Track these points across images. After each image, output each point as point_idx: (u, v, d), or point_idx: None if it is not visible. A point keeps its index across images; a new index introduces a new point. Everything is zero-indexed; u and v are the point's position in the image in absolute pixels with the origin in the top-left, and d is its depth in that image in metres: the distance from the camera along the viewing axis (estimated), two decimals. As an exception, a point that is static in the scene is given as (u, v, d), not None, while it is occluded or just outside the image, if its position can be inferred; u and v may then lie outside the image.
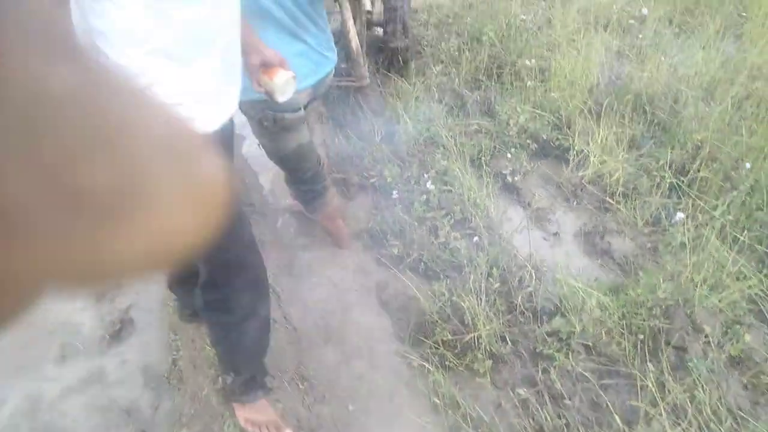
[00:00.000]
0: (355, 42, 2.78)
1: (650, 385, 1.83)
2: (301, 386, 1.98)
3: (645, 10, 4.00)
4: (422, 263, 2.37)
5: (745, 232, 2.31)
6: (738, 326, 2.01)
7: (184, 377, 2.02)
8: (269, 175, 2.97)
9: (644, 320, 2.02)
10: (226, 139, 1.42)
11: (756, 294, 2.11)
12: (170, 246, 0.21)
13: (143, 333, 2.23)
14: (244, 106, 1.87)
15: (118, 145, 0.18)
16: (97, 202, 0.18)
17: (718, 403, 1.80)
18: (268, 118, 1.95)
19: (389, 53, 3.35)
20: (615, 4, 4.22)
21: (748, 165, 2.55)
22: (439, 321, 2.11)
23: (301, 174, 2.27)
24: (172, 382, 2.03)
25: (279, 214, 2.73)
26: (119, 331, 2.21)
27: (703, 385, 1.83)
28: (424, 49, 3.74)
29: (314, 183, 2.31)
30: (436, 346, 2.05)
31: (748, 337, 1.95)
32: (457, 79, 3.40)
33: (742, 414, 1.79)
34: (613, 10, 4.11)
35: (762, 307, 2.10)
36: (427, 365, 2.00)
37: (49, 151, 0.17)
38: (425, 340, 2.09)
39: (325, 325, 2.23)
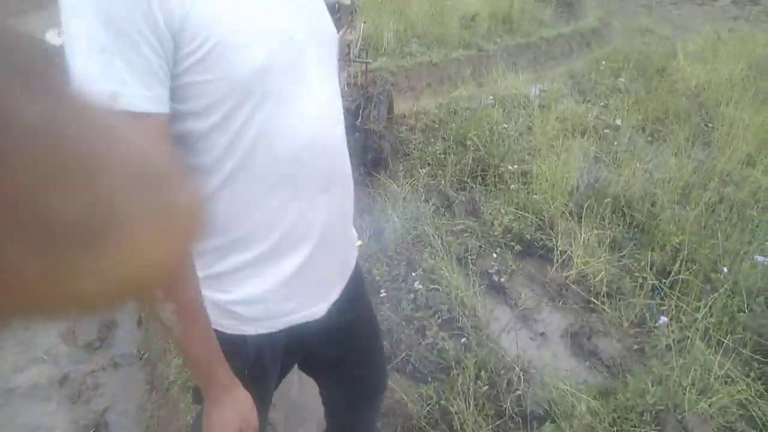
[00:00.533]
0: None
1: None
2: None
3: (618, 121, 4.27)
4: (410, 364, 2.34)
5: (729, 335, 2.33)
6: (730, 433, 1.97)
7: None
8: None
9: (635, 426, 1.98)
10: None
11: (745, 399, 2.09)
12: (141, 276, 0.20)
13: (118, 438, 2.13)
14: None
15: (89, 176, 0.18)
16: (66, 233, 0.17)
17: None
18: None
19: (372, 152, 3.52)
20: (590, 113, 4.51)
21: (726, 269, 2.62)
22: (427, 427, 2.05)
23: None
24: None
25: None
26: (93, 435, 2.12)
27: (699, 498, 1.76)
28: (411, 152, 3.91)
29: None
30: (424, 453, 1.98)
31: (741, 445, 1.91)
32: (443, 181, 3.54)
33: None
34: (588, 118, 4.39)
35: (753, 412, 2.07)
36: (414, 476, 1.91)
37: (17, 181, 0.16)
38: (412, 447, 2.02)
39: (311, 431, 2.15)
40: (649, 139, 4.22)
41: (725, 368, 2.16)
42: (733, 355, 2.29)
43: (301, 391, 2.27)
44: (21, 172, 0.16)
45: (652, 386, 2.06)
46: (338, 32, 3.21)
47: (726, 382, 2.14)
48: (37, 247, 0.17)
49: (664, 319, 2.40)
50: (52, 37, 3.22)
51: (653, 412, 2.02)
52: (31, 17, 6.71)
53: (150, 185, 0.21)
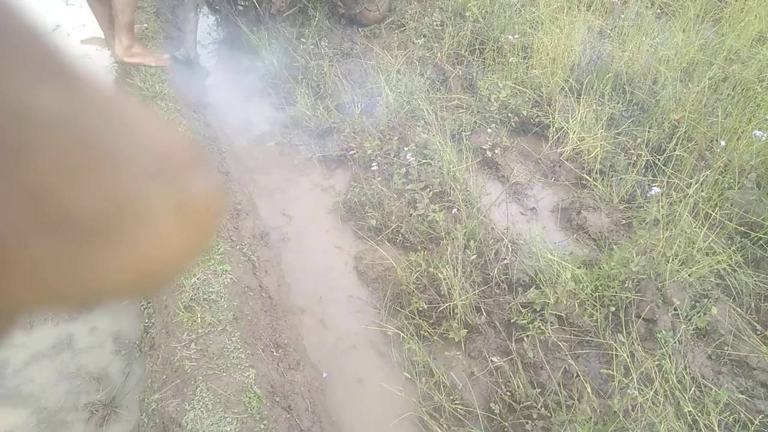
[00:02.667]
0: None
1: (621, 354, 1.87)
2: (275, 353, 1.98)
3: (628, -9, 4.00)
4: (400, 235, 2.37)
5: (717, 209, 2.36)
6: (706, 300, 2.06)
7: (156, 343, 2.00)
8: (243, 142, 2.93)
9: (616, 293, 2.05)
10: None
11: (724, 269, 2.16)
12: (160, 268, 0.20)
13: (115, 300, 2.19)
14: None
15: (105, 168, 0.18)
16: (83, 225, 0.17)
17: (684, 373, 1.85)
18: None
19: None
20: (598, -15, 4.21)
21: (722, 143, 2.59)
22: (415, 291, 2.12)
23: None
24: (143, 348, 2.00)
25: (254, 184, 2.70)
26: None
27: (670, 356, 1.87)
28: (407, 23, 3.69)
29: None
30: (412, 315, 2.06)
31: (714, 310, 2.00)
32: (439, 54, 3.38)
33: (706, 382, 1.84)
34: (596, -10, 4.11)
35: (729, 281, 2.15)
36: (402, 334, 2.00)
37: (34, 174, 0.16)
38: (401, 309, 2.10)
39: (301, 294, 2.22)
40: (658, 12, 3.98)
41: (709, 240, 2.20)
42: (719, 228, 2.33)
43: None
44: (39, 163, 0.16)
45: (636, 256, 2.11)
46: None
47: (708, 254, 2.20)
48: (56, 239, 0.17)
49: (656, 189, 2.40)
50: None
51: (635, 280, 2.09)
52: None
53: (168, 175, 0.20)
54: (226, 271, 1.99)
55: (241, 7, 3.46)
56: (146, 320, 2.09)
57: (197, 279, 1.93)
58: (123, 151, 0.19)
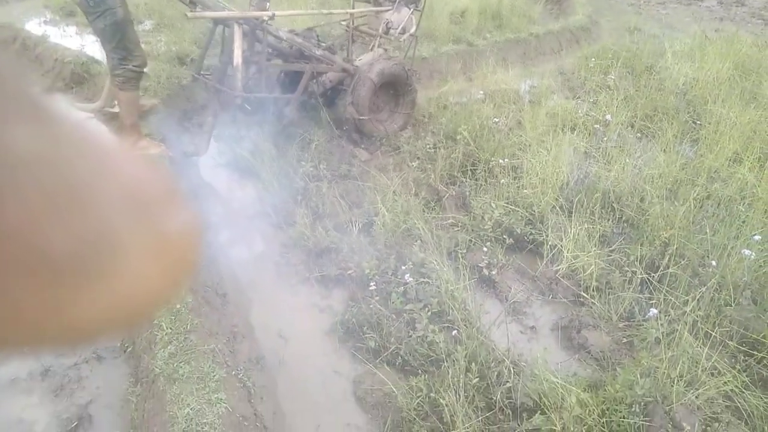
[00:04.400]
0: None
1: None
2: (269, 491, 1.86)
3: (609, 116, 4.29)
4: (399, 357, 2.33)
5: (716, 328, 2.35)
6: (717, 424, 1.99)
7: (143, 482, 1.88)
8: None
9: (624, 418, 1.99)
10: None
11: (731, 390, 2.10)
12: (139, 303, 0.20)
13: (101, 431, 2.09)
14: None
15: (81, 207, 0.18)
16: (59, 264, 0.17)
17: None
18: None
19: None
20: (580, 109, 4.52)
21: (714, 263, 2.64)
22: (416, 419, 2.04)
23: None
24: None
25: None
26: (75, 429, 2.07)
27: (688, 489, 1.77)
28: (401, 146, 3.89)
29: None
30: (414, 445, 1.97)
31: (728, 437, 1.92)
32: (433, 175, 3.53)
33: None
34: (578, 114, 4.40)
35: (738, 403, 2.09)
36: (403, 467, 1.90)
37: (10, 213, 0.16)
38: (402, 439, 2.01)
39: (297, 423, 2.13)
40: (639, 135, 4.24)
41: (712, 360, 2.17)
42: (720, 347, 2.30)
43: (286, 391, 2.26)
44: (15, 203, 0.16)
45: (640, 378, 2.07)
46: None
47: (713, 374, 2.16)
48: (35, 278, 0.17)
49: (654, 311, 2.40)
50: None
51: (642, 403, 2.03)
52: (13, 6, 6.58)
53: (145, 211, 0.20)
54: (221, 400, 1.93)
55: (248, 108, 3.73)
56: (134, 454, 1.98)
57: (191, 409, 1.87)
58: (98, 190, 0.19)
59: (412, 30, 4.37)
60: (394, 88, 4.04)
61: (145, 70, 3.33)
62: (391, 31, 4.16)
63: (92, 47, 5.27)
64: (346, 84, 3.85)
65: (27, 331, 0.17)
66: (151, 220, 0.20)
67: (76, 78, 4.70)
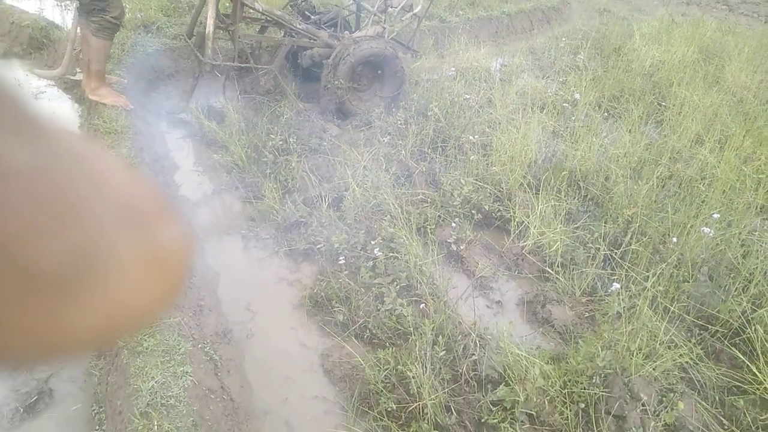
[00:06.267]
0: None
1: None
2: (236, 462, 1.86)
3: (577, 95, 4.34)
4: (368, 330, 2.34)
5: (675, 302, 2.43)
6: (672, 394, 2.07)
7: (106, 455, 1.86)
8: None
9: (585, 389, 2.05)
10: None
11: (686, 362, 2.19)
12: (131, 316, 0.20)
13: (62, 405, 2.05)
14: None
15: (74, 220, 0.18)
16: (52, 278, 0.17)
17: (658, 473, 1.82)
18: None
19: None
20: (549, 89, 4.55)
21: (674, 239, 2.72)
22: (383, 390, 2.06)
23: None
24: (92, 460, 1.85)
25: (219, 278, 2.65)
26: (35, 403, 2.02)
27: (642, 455, 1.85)
28: (372, 122, 3.86)
29: None
30: (380, 417, 1.99)
31: (681, 405, 2.01)
32: (403, 151, 3.52)
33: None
34: (547, 94, 4.44)
35: (692, 375, 2.18)
36: (370, 437, 1.93)
37: (2, 224, 0.16)
38: (369, 411, 2.03)
39: (265, 396, 2.13)
40: (605, 115, 4.31)
41: (670, 334, 2.25)
42: (678, 321, 2.39)
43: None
44: (7, 214, 0.16)
45: (601, 351, 2.13)
46: None
47: (670, 347, 2.24)
48: (26, 289, 0.17)
49: (616, 285, 2.47)
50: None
51: (602, 375, 2.09)
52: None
53: (137, 226, 0.20)
54: (187, 372, 1.91)
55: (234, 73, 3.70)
56: (97, 427, 1.95)
57: (155, 382, 1.84)
58: (91, 203, 0.19)
59: (417, 9, 4.32)
60: (380, 68, 3.99)
61: (121, 21, 3.33)
62: (390, 9, 4.09)
63: (52, 11, 5.04)
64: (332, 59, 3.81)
65: (17, 342, 0.17)
66: (144, 233, 0.21)
67: (35, 43, 4.49)
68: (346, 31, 4.08)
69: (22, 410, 1.99)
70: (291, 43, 3.80)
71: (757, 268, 2.57)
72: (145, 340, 1.97)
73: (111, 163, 0.21)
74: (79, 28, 3.44)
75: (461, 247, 2.84)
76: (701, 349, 2.30)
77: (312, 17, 4.13)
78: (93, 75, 3.40)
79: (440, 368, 2.14)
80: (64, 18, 4.89)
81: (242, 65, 3.74)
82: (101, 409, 1.99)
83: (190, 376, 1.91)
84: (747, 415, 2.05)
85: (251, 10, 3.64)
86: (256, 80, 3.99)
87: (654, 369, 2.14)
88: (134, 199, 0.21)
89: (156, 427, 1.71)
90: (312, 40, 3.81)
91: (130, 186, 0.21)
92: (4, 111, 0.17)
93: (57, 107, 3.83)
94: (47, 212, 0.17)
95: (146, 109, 3.86)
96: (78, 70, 3.83)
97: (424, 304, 2.42)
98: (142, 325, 0.21)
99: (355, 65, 3.79)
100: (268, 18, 3.74)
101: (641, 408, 2.02)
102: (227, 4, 3.67)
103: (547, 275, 2.74)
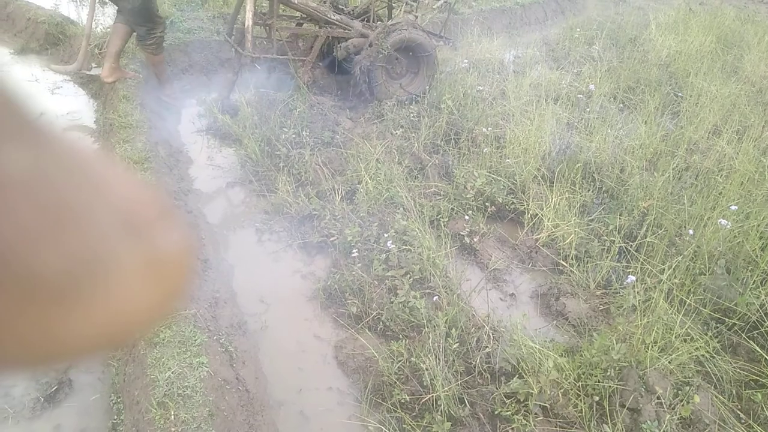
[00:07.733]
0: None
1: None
2: (251, 452, 1.88)
3: (592, 86, 4.29)
4: (381, 323, 2.35)
5: (691, 295, 2.41)
6: (688, 387, 2.05)
7: (125, 443, 1.89)
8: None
9: (599, 382, 2.04)
10: None
11: (702, 355, 2.17)
12: (132, 322, 0.20)
13: (81, 395, 2.08)
14: None
15: (73, 227, 0.18)
16: (52, 284, 0.17)
17: (673, 466, 1.81)
18: None
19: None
20: (563, 80, 4.51)
21: (691, 231, 2.69)
22: (397, 382, 2.07)
23: None
24: (111, 449, 1.89)
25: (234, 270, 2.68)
26: (55, 393, 2.06)
27: (658, 448, 1.84)
28: (385, 114, 3.86)
29: None
30: (394, 408, 2.00)
31: (697, 398, 1.99)
32: (416, 144, 3.51)
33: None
34: (562, 85, 4.39)
35: (708, 368, 2.16)
36: (384, 429, 1.94)
37: (3, 234, 0.16)
38: (383, 402, 2.04)
39: (279, 387, 2.15)
40: (621, 106, 4.26)
41: (686, 327, 2.23)
42: (694, 314, 2.37)
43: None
44: (6, 221, 0.16)
45: (616, 343, 2.12)
46: None
47: (685, 340, 2.22)
48: (25, 300, 0.17)
49: (631, 278, 2.45)
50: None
51: (617, 368, 2.08)
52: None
53: (137, 231, 0.20)
54: (203, 363, 1.93)
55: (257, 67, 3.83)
56: (115, 417, 1.98)
57: (172, 373, 1.87)
58: (91, 209, 0.19)
59: None
60: (415, 56, 4.05)
61: (165, 32, 3.68)
62: None
63: (67, 7, 5.08)
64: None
65: (17, 350, 0.18)
66: (145, 240, 0.21)
67: (51, 39, 4.54)
68: (380, 21, 4.13)
69: (42, 400, 2.03)
70: (327, 34, 3.87)
71: (775, 260, 2.53)
72: (162, 332, 2.00)
73: (111, 168, 0.21)
74: (112, 25, 3.70)
75: (474, 240, 2.83)
76: (718, 342, 2.27)
77: (345, 9, 4.20)
78: (109, 55, 3.60)
79: (453, 360, 2.14)
80: (80, 14, 4.93)
81: (280, 57, 3.82)
82: (119, 399, 2.02)
83: (205, 367, 1.93)
84: (765, 409, 2.03)
85: (286, 7, 3.75)
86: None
87: (669, 362, 2.12)
88: (135, 204, 0.21)
89: (173, 416, 1.74)
90: (347, 30, 3.90)
91: (131, 191, 0.21)
92: (3, 116, 0.17)
93: (73, 102, 3.87)
94: (46, 219, 0.17)
95: (160, 104, 3.89)
96: (94, 65, 3.87)
97: (437, 297, 2.42)
98: (143, 332, 0.21)
99: (391, 49, 3.86)
100: (303, 13, 3.83)
101: (656, 401, 2.01)
102: (264, 4, 3.78)
103: (561, 268, 2.72)
